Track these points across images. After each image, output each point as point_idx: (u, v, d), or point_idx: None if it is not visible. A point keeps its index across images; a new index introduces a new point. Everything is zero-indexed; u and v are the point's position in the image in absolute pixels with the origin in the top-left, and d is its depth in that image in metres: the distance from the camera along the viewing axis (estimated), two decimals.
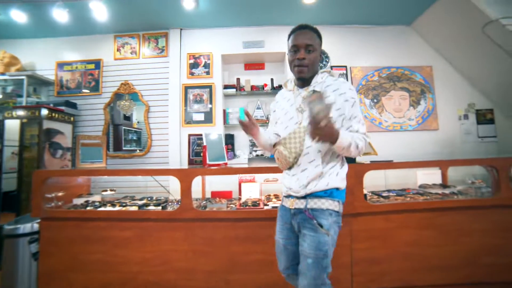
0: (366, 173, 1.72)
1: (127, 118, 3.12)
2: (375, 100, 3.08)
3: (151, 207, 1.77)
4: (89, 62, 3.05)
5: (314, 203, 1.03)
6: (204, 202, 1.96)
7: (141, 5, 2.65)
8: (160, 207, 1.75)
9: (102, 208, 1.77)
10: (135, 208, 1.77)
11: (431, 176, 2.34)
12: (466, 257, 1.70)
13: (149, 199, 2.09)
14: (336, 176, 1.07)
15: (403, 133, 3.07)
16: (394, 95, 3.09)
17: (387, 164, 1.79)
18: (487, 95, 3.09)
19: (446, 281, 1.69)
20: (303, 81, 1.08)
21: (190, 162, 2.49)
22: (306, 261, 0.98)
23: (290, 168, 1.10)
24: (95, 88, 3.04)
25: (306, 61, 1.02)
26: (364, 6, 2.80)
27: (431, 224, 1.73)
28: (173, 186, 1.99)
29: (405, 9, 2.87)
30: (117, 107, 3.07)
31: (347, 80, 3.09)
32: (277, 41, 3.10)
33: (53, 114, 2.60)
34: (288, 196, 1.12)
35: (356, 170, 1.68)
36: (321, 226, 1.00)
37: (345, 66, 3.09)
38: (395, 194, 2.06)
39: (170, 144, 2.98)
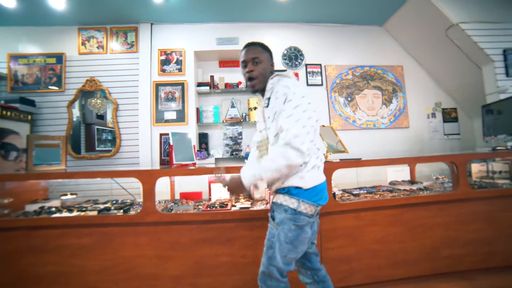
0: (335, 171, 1.72)
1: (100, 117, 2.93)
2: (349, 99, 3.13)
3: (113, 211, 1.66)
4: (49, 55, 2.82)
5: (275, 198, 1.11)
6: (171, 204, 1.87)
7: None
8: (121, 211, 1.64)
9: (57, 215, 1.63)
10: (94, 213, 1.64)
11: (401, 173, 2.42)
12: (429, 251, 1.77)
13: (113, 202, 1.96)
14: (295, 176, 1.05)
15: (376, 131, 3.15)
16: (368, 94, 3.16)
17: (356, 162, 1.81)
18: (452, 94, 3.26)
19: (411, 274, 1.74)
20: (258, 92, 1.16)
21: (162, 162, 2.38)
22: (264, 248, 1.11)
23: None
24: (57, 84, 2.81)
25: (255, 72, 1.10)
26: (338, 5, 2.82)
27: (398, 220, 1.78)
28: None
29: (377, 10, 2.94)
30: (88, 105, 2.87)
31: (321, 77, 3.11)
32: (252, 39, 3.01)
33: (5, 112, 2.37)
34: None
35: (323, 169, 1.67)
36: (273, 218, 1.09)
37: (320, 64, 3.11)
38: (365, 191, 2.09)
39: (140, 144, 2.83)
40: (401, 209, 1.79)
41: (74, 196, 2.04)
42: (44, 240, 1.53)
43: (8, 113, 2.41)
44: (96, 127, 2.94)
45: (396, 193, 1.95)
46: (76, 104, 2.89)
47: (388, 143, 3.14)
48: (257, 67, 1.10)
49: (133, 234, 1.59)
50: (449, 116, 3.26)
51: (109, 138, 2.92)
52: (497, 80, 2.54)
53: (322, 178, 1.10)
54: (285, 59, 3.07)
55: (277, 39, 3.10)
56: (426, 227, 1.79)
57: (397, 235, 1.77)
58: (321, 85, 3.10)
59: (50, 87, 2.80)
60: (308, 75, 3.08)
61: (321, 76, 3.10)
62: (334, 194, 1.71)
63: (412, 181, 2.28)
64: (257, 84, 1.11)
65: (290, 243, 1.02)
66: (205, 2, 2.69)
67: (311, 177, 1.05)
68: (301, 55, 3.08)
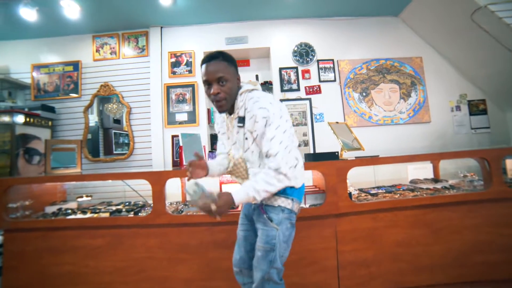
0: (350, 170, 1.62)
1: (117, 121, 3.02)
2: (364, 94, 2.98)
3: (124, 213, 1.67)
4: (67, 64, 2.95)
5: (268, 200, 1.06)
6: (182, 206, 1.86)
7: (119, 3, 2.55)
8: (132, 213, 1.65)
9: (72, 216, 1.67)
10: (106, 215, 1.67)
11: (423, 170, 2.25)
12: (457, 256, 1.61)
13: (126, 204, 1.99)
14: None
15: (394, 127, 2.98)
16: (384, 88, 2.99)
17: (373, 160, 1.69)
18: (479, 85, 3.00)
19: (437, 281, 1.59)
20: (222, 111, 1.06)
21: (174, 164, 2.39)
22: (257, 255, 1.04)
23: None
24: (74, 90, 2.94)
25: (222, 94, 0.98)
26: None
27: (421, 222, 1.64)
28: None
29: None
30: (105, 110, 2.97)
31: (334, 73, 2.99)
32: (261, 36, 3.01)
33: (29, 119, 2.49)
34: None
35: (338, 167, 1.58)
36: (271, 220, 1.05)
37: (332, 60, 3.00)
38: (384, 191, 1.96)
39: (153, 146, 2.88)
40: (424, 210, 1.65)
41: (89, 198, 2.09)
42: (61, 240, 1.57)
43: (31, 120, 2.54)
44: (113, 131, 3.04)
45: (418, 192, 1.80)
46: (94, 109, 3.00)
47: (407, 140, 2.96)
48: (223, 87, 0.96)
49: (144, 236, 1.59)
50: (476, 108, 3.00)
51: (126, 141, 3.00)
52: None
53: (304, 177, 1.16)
54: (295, 56, 2.99)
55: (287, 36, 3.03)
56: (453, 230, 1.64)
57: (420, 237, 1.63)
58: (334, 81, 2.98)
59: (70, 94, 2.92)
60: (320, 71, 2.97)
61: (334, 71, 2.99)
62: (350, 194, 1.61)
63: (436, 179, 2.11)
64: (224, 105, 1.00)
65: (286, 242, 1.05)
66: (213, 2, 2.68)
67: (301, 176, 1.12)
68: (312, 51, 2.98)
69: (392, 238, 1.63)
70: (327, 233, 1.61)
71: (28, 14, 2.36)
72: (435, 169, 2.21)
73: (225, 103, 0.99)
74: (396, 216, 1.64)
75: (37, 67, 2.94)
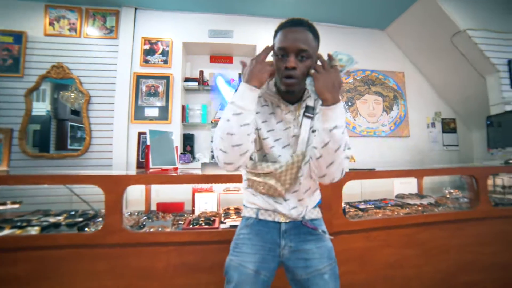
0: (347, 183, 1.46)
1: (76, 112, 2.51)
2: (349, 103, 2.94)
3: (63, 228, 1.27)
4: (5, 33, 2.37)
5: (311, 213, 0.91)
6: (145, 218, 1.50)
7: None
8: (75, 228, 1.26)
9: None
10: (36, 231, 1.24)
11: (407, 185, 2.22)
12: (444, 277, 1.54)
13: (71, 214, 1.56)
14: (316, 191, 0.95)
15: (376, 138, 2.97)
16: (368, 99, 2.99)
17: (369, 173, 1.56)
18: (451, 105, 3.17)
19: None
20: (292, 94, 0.82)
21: (139, 165, 2.01)
22: (323, 280, 0.82)
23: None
24: (14, 68, 2.37)
25: (298, 72, 0.76)
26: (340, 5, 2.65)
27: (412, 241, 1.53)
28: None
29: (380, 13, 2.80)
30: (60, 99, 2.45)
31: None
32: (247, 33, 2.80)
33: None
34: (274, 210, 0.87)
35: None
36: (325, 232, 0.91)
37: None
38: (373, 206, 1.85)
39: (114, 143, 2.44)
40: (416, 228, 1.55)
41: (17, 205, 1.61)
42: None
43: None
44: (70, 123, 2.54)
45: (408, 209, 1.72)
46: (47, 96, 2.47)
47: (388, 152, 2.97)
48: (302, 63, 0.76)
49: (90, 259, 1.21)
50: (448, 126, 3.16)
51: (84, 136, 2.50)
52: (502, 91, 2.45)
53: None
54: None
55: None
56: (442, 249, 1.56)
57: (412, 258, 1.52)
58: None
59: (7, 71, 2.34)
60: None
61: None
62: (344, 210, 1.44)
63: (421, 195, 2.08)
64: (296, 85, 0.77)
65: None
66: None
67: None
68: None
69: (385, 259, 1.49)
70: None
71: None
72: (419, 184, 2.19)
73: (297, 83, 0.77)
74: (389, 235, 1.51)
75: None
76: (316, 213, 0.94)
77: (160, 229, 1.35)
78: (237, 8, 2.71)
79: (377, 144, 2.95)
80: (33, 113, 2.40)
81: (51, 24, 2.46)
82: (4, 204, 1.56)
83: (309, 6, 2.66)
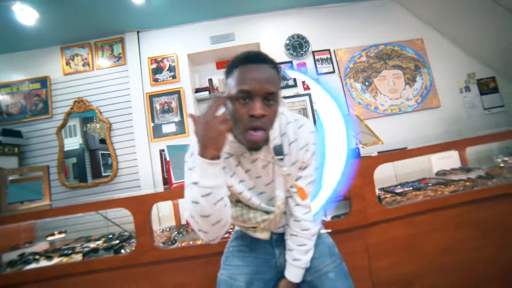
0: (377, 168, 1.34)
1: (103, 141, 2.69)
2: (366, 83, 2.74)
3: (101, 252, 1.32)
4: (33, 81, 2.61)
5: None
6: (176, 232, 1.52)
7: (87, 8, 2.26)
8: (112, 252, 1.31)
9: (32, 265, 1.31)
10: (79, 257, 1.32)
11: (448, 160, 1.97)
12: None
13: (108, 237, 1.64)
14: None
15: (402, 115, 2.73)
16: (387, 75, 2.76)
17: (401, 153, 1.41)
18: (487, 62, 2.80)
19: None
20: (259, 149, 0.69)
21: (165, 182, 2.06)
22: (328, 279, 0.76)
23: None
24: (44, 110, 2.59)
25: (267, 120, 0.63)
26: None
27: (467, 222, 1.35)
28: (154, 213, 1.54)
29: None
30: (88, 131, 2.65)
31: (332, 64, 2.75)
32: (249, 32, 2.75)
33: None
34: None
35: (362, 167, 1.29)
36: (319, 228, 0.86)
37: (328, 50, 2.76)
38: (411, 188, 1.68)
39: (139, 164, 2.54)
40: (467, 207, 1.37)
41: (63, 235, 1.73)
42: None
43: None
44: (100, 152, 2.72)
45: (454, 186, 1.52)
46: (78, 130, 2.68)
47: (418, 127, 2.71)
48: (271, 109, 0.64)
49: (127, 279, 1.25)
50: (486, 87, 2.79)
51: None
52: None
53: None
54: (288, 49, 2.73)
55: (278, 29, 2.78)
56: (508, 228, 1.35)
57: (470, 241, 1.34)
58: (333, 72, 2.74)
59: (39, 115, 2.57)
60: (317, 63, 2.72)
61: (332, 62, 2.74)
62: (379, 197, 1.32)
63: (466, 168, 1.84)
64: (262, 138, 0.65)
65: None
66: (197, 3, 2.42)
67: None
68: (306, 42, 2.74)
69: (435, 246, 1.33)
70: (356, 248, 1.31)
71: None
72: (462, 157, 1.94)
73: (263, 135, 0.64)
74: (436, 218, 1.35)
75: None
76: None
77: (191, 242, 1.35)
78: (235, 9, 2.68)
79: (404, 121, 2.71)
80: (66, 148, 2.60)
81: (67, 63, 2.65)
82: (52, 235, 1.69)
83: None
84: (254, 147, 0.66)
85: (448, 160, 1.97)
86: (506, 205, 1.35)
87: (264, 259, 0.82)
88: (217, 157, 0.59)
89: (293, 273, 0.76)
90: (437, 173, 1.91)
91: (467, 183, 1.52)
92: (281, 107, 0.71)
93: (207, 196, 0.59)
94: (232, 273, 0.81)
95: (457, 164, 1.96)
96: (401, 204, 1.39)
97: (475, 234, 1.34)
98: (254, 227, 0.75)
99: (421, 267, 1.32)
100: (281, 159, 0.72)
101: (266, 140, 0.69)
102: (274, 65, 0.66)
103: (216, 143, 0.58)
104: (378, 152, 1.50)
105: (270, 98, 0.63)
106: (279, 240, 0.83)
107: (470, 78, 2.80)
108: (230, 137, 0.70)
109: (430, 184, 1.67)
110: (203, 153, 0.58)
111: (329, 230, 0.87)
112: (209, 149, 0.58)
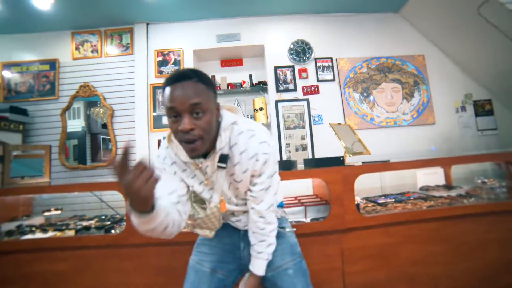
0: (358, 177, 1.41)
1: (105, 126, 2.78)
2: (365, 94, 2.80)
3: (92, 231, 1.41)
4: (42, 62, 2.70)
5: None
6: None
7: None
8: (103, 231, 1.39)
9: (29, 236, 1.40)
10: (72, 233, 1.40)
11: (433, 176, 2.04)
12: (482, 277, 1.39)
13: (101, 218, 1.73)
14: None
15: (397, 128, 2.79)
16: (386, 88, 2.82)
17: (383, 165, 1.48)
18: (485, 84, 2.85)
19: None
20: (199, 157, 0.75)
21: None
22: (287, 276, 0.83)
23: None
24: (51, 91, 2.68)
25: (197, 131, 0.67)
26: None
27: (440, 237, 1.42)
28: None
29: None
30: (91, 115, 2.73)
31: (333, 72, 2.81)
32: (255, 33, 2.82)
33: None
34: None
35: (344, 175, 1.37)
36: (284, 228, 0.94)
37: (331, 58, 2.82)
38: (393, 200, 1.75)
39: (137, 152, 2.62)
40: (443, 222, 1.44)
41: (58, 211, 1.83)
42: (11, 267, 1.30)
43: None
44: (102, 136, 2.81)
45: (432, 202, 1.59)
46: (81, 113, 2.77)
47: (412, 142, 2.77)
48: (200, 121, 0.67)
49: (116, 258, 1.34)
50: (482, 109, 2.85)
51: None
52: None
53: None
54: (292, 54, 2.80)
55: (283, 33, 2.85)
56: (476, 245, 1.43)
57: (439, 255, 1.41)
58: (333, 80, 2.80)
59: (45, 95, 2.66)
60: (318, 69, 2.79)
61: (333, 70, 2.81)
62: (357, 205, 1.39)
63: (449, 186, 1.91)
64: (200, 147, 0.68)
65: None
66: (205, 4, 2.49)
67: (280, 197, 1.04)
68: (310, 48, 2.80)
69: (407, 256, 1.41)
70: (331, 251, 1.39)
71: None
72: (447, 175, 2.01)
73: (201, 144, 0.68)
74: (411, 230, 1.42)
75: (8, 65, 2.68)
76: (281, 213, 0.97)
77: None
78: (242, 10, 2.75)
79: (399, 134, 2.78)
80: (69, 130, 2.69)
81: (77, 48, 2.74)
82: (49, 210, 1.78)
83: None
84: (195, 155, 0.71)
85: (433, 176, 2.04)
86: (476, 224, 1.42)
87: (230, 250, 0.90)
88: (148, 210, 0.58)
89: (257, 265, 0.82)
90: (421, 188, 1.98)
91: (446, 200, 1.60)
92: (235, 114, 0.80)
93: (151, 231, 0.65)
94: (200, 259, 0.89)
95: (441, 181, 2.03)
96: (380, 213, 1.47)
97: (445, 248, 1.41)
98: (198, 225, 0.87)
99: (392, 275, 1.39)
100: (223, 167, 0.76)
101: (213, 147, 0.74)
102: (199, 79, 0.69)
103: (143, 200, 0.55)
104: (363, 162, 1.56)
105: (198, 111, 0.66)
106: (245, 235, 0.89)
107: (467, 99, 2.86)
108: (174, 140, 0.75)
109: (411, 198, 1.74)
110: (133, 209, 0.58)
111: (294, 229, 0.94)
112: (138, 205, 0.57)
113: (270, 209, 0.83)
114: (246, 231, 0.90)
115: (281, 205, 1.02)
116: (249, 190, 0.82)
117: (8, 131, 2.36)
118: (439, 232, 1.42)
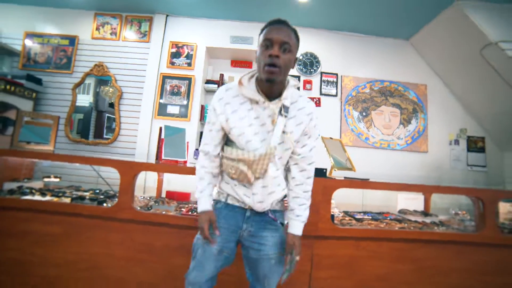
0: (337, 190, 1.51)
1: (112, 105, 2.90)
2: (364, 114, 2.90)
3: (86, 201, 1.52)
4: (63, 37, 2.83)
5: (276, 205, 1.02)
6: (153, 201, 1.71)
7: None
8: (96, 203, 1.50)
9: (28, 197, 1.51)
10: (67, 200, 1.52)
11: (414, 201, 2.15)
12: None
13: (96, 191, 1.84)
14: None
15: (390, 151, 2.89)
16: (385, 111, 2.92)
17: (362, 183, 1.58)
18: (480, 121, 2.94)
19: None
20: (271, 86, 0.87)
21: (157, 157, 2.26)
22: (269, 264, 0.96)
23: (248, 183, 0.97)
24: (66, 66, 2.81)
25: (280, 61, 0.82)
26: (362, 14, 2.65)
27: (406, 257, 1.51)
28: (140, 181, 1.73)
29: (404, 22, 2.74)
30: (101, 93, 2.86)
31: (336, 88, 2.92)
32: None
33: (10, 87, 2.35)
34: (241, 199, 0.99)
35: (324, 186, 1.46)
36: (283, 224, 1.03)
37: (336, 74, 2.92)
38: (370, 217, 1.85)
39: (139, 135, 2.74)
40: (411, 244, 1.53)
41: (57, 179, 1.94)
42: (9, 222, 1.42)
43: (13, 88, 2.40)
44: (107, 115, 2.92)
45: (406, 224, 1.69)
46: (90, 89, 2.89)
47: (402, 167, 2.86)
48: (284, 55, 0.83)
49: (104, 230, 1.44)
50: (474, 145, 2.94)
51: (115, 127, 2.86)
52: None
53: None
54: (299, 65, 2.91)
55: None
56: (439, 270, 1.52)
57: (404, 274, 1.51)
58: (336, 95, 2.90)
59: (61, 68, 2.79)
60: (323, 83, 2.89)
61: (336, 86, 2.91)
62: (332, 216, 1.49)
63: (425, 213, 2.00)
64: (278, 74, 0.82)
65: None
66: (221, 5, 2.61)
67: None
68: (317, 62, 2.91)
69: (373, 271, 1.50)
70: (302, 255, 1.48)
71: None
72: (426, 202, 2.11)
73: (279, 71, 0.82)
74: (380, 247, 1.52)
75: (31, 35, 2.81)
76: (280, 206, 1.04)
77: (164, 212, 1.54)
78: (257, 15, 2.86)
79: (391, 158, 2.87)
80: (77, 104, 2.81)
81: (97, 29, 2.87)
82: (49, 177, 1.90)
83: (328, 13, 2.71)
84: (270, 78, 0.83)
85: (414, 201, 2.14)
86: (443, 251, 1.51)
87: (233, 230, 0.98)
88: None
89: (297, 227, 0.97)
90: (400, 211, 2.08)
91: (418, 225, 1.69)
92: (295, 82, 0.95)
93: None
94: (207, 243, 0.95)
95: (421, 207, 2.13)
96: (353, 227, 1.57)
97: (410, 268, 1.50)
98: (242, 160, 0.90)
99: (358, 286, 1.49)
100: (285, 116, 0.89)
101: (279, 94, 0.89)
102: (294, 31, 0.89)
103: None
104: (345, 177, 1.66)
105: (286, 48, 0.83)
106: (250, 217, 0.97)
107: (461, 133, 2.95)
108: (252, 83, 0.91)
109: (388, 218, 1.84)
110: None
111: (286, 222, 1.02)
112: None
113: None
114: (251, 213, 0.97)
115: (284, 197, 1.07)
116: (297, 154, 0.95)
117: (22, 97, 2.48)
118: (407, 253, 1.51)
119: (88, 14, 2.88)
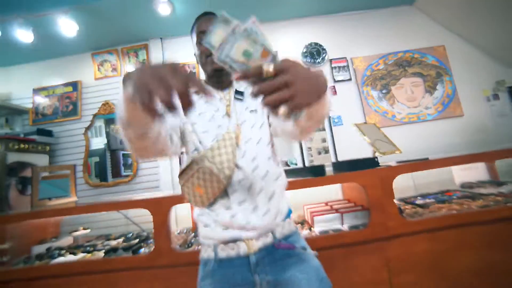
0: (395, 178, 1.30)
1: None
2: (384, 91, 2.68)
3: (120, 252, 1.37)
4: (66, 85, 2.81)
5: (281, 228, 0.76)
6: (191, 235, 1.55)
7: (115, 17, 2.42)
8: (130, 251, 1.35)
9: (60, 259, 1.38)
10: (101, 255, 1.37)
11: (472, 171, 1.87)
12: None
13: (128, 237, 1.70)
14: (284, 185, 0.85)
15: (421, 124, 2.64)
16: (405, 83, 2.69)
17: (423, 164, 1.36)
18: None
19: None
20: (220, 77, 0.83)
21: None
22: None
23: (224, 195, 0.73)
24: (73, 112, 2.77)
25: None
26: None
27: (500, 242, 1.26)
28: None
29: None
30: (111, 131, 2.79)
31: (349, 71, 2.73)
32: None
33: (23, 146, 2.30)
34: (235, 240, 0.71)
35: (381, 177, 1.26)
36: (305, 249, 0.76)
37: (345, 58, 2.74)
38: (433, 200, 1.61)
39: (160, 165, 2.62)
40: (500, 224, 1.28)
41: (87, 231, 1.82)
42: None
43: (27, 146, 2.35)
44: (122, 152, 2.84)
45: (482, 201, 1.44)
46: (103, 131, 2.83)
47: (438, 137, 2.60)
48: None
49: (145, 280, 1.28)
50: None
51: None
52: None
53: None
54: (306, 57, 2.75)
55: (296, 37, 2.81)
56: None
57: (504, 264, 1.25)
58: (350, 79, 2.71)
59: (68, 116, 2.76)
60: (334, 70, 2.72)
61: (349, 70, 2.72)
62: (400, 209, 1.27)
63: (497, 182, 1.73)
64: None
65: None
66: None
67: None
68: (323, 49, 2.74)
69: (464, 265, 1.26)
70: (375, 261, 1.27)
71: (25, 35, 2.27)
72: (491, 169, 1.83)
73: None
74: (464, 235, 1.28)
75: (37, 90, 2.82)
76: (288, 226, 0.78)
77: None
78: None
79: (423, 130, 2.62)
80: (92, 148, 2.75)
81: (98, 69, 2.84)
82: (77, 230, 1.78)
83: None
84: (216, 67, 0.78)
85: (473, 171, 1.87)
86: None
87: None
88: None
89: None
90: (463, 185, 1.82)
91: (499, 198, 1.44)
92: None
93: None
94: None
95: (483, 176, 1.86)
96: (424, 217, 1.34)
97: (508, 256, 1.25)
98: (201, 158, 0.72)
99: (448, 287, 1.25)
100: (240, 99, 0.83)
101: (230, 82, 0.86)
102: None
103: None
104: (397, 162, 1.45)
105: None
106: (259, 263, 0.70)
107: (499, 86, 2.66)
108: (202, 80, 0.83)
109: (455, 197, 1.59)
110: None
111: (316, 253, 0.76)
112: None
113: None
114: (258, 258, 0.70)
115: (290, 213, 0.84)
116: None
117: (36, 153, 2.43)
118: (500, 236, 1.26)
119: (85, 56, 2.86)
